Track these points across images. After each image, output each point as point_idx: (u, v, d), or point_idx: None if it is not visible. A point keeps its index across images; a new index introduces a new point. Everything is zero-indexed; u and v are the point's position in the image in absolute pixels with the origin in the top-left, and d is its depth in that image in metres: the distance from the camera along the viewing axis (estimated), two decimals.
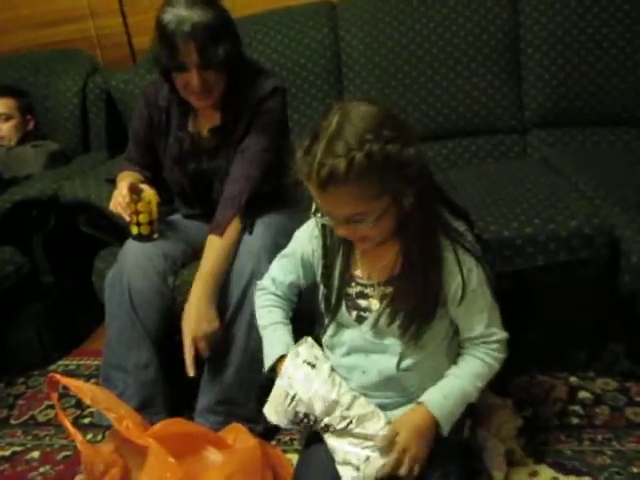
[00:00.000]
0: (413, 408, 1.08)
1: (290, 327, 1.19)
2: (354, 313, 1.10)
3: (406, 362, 1.08)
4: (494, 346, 1.09)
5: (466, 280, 1.03)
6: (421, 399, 1.07)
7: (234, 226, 1.42)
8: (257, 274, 1.36)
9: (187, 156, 1.53)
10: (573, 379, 1.54)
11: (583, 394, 1.49)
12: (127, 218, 1.45)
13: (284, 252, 1.22)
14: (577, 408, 1.45)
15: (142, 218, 1.46)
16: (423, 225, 1.00)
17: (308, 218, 1.54)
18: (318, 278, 1.15)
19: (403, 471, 1.03)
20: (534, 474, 1.28)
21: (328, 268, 1.11)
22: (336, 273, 1.10)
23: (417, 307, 1.03)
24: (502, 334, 1.10)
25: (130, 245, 1.49)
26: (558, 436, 1.37)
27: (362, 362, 1.11)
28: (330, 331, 1.14)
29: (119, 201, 1.45)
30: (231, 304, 1.39)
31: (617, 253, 1.42)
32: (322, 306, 1.14)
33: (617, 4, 1.89)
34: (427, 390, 1.08)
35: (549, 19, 1.93)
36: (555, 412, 1.44)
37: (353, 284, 1.10)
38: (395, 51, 1.99)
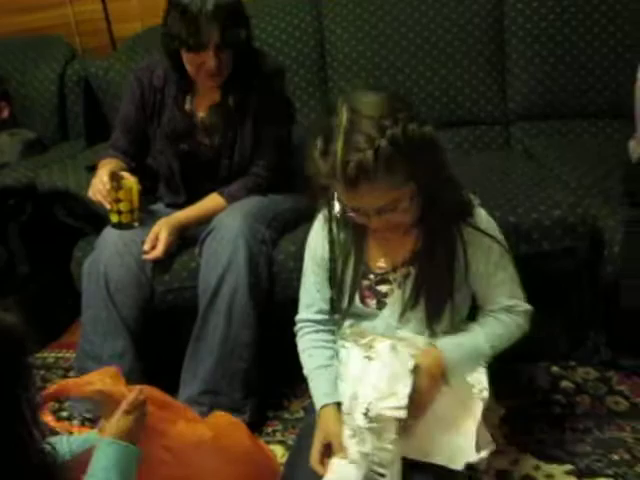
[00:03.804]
0: (427, 351, 1.04)
1: (332, 367, 1.11)
2: (373, 302, 1.09)
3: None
4: (520, 315, 1.11)
5: (487, 253, 1.05)
6: (436, 343, 1.05)
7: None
8: (234, 261, 1.37)
9: (181, 135, 1.54)
10: (555, 368, 1.55)
11: (565, 383, 1.50)
12: (107, 206, 1.43)
13: (304, 271, 1.17)
14: (559, 397, 1.46)
15: (123, 206, 1.43)
16: (447, 203, 1.01)
17: (289, 203, 1.55)
18: (326, 280, 1.12)
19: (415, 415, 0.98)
20: (516, 462, 1.28)
21: (335, 268, 1.10)
22: (349, 268, 1.09)
23: (439, 284, 1.04)
24: (526, 306, 1.11)
25: (108, 232, 1.46)
26: (540, 425, 1.38)
27: None
28: (347, 323, 1.13)
29: (99, 188, 1.43)
30: (208, 290, 1.39)
31: (599, 243, 1.43)
32: (327, 306, 1.13)
33: None
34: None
35: (533, 11, 1.94)
36: (537, 401, 1.45)
37: (371, 276, 1.09)
38: (379, 41, 1.98)
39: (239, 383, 1.39)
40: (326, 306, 1.14)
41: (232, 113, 1.50)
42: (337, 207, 1.07)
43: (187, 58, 1.43)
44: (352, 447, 0.98)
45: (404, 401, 0.94)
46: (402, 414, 0.94)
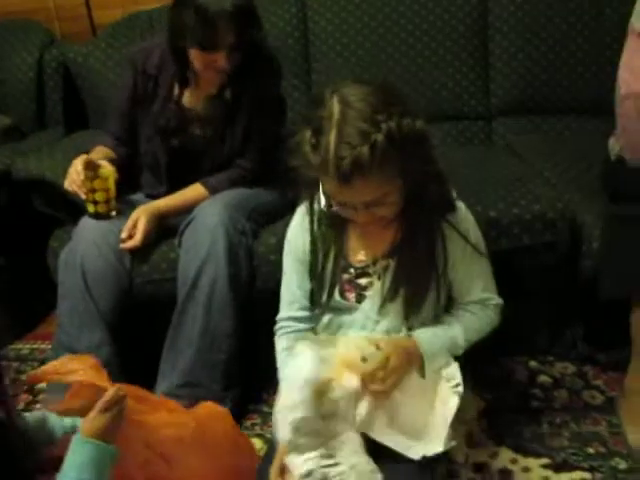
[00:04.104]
0: (403, 337, 1.05)
1: None
2: (352, 295, 1.08)
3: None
4: (491, 309, 1.13)
5: (464, 246, 1.06)
6: (412, 333, 1.05)
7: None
8: (213, 251, 1.35)
9: (174, 131, 1.52)
10: (533, 363, 1.57)
11: (543, 378, 1.52)
12: (83, 196, 1.40)
13: (284, 268, 1.15)
14: (537, 391, 1.47)
15: (99, 196, 1.41)
16: (433, 197, 1.01)
17: (270, 195, 1.53)
18: (307, 274, 1.10)
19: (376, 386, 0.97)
20: (494, 455, 1.29)
21: (316, 262, 1.08)
22: (330, 262, 1.07)
23: (418, 276, 1.04)
24: (498, 300, 1.14)
25: (85, 222, 1.44)
26: (518, 419, 1.39)
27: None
28: (325, 319, 1.11)
29: (74, 178, 1.40)
30: (187, 281, 1.37)
31: (579, 238, 1.44)
32: (308, 301, 1.11)
33: None
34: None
35: (517, 7, 1.94)
36: (515, 395, 1.46)
37: (352, 270, 1.08)
38: (363, 34, 1.97)
39: (219, 375, 1.38)
40: (307, 302, 1.12)
41: (228, 106, 1.49)
42: (323, 201, 1.05)
43: (196, 56, 1.40)
44: (295, 464, 0.95)
45: (297, 414, 0.93)
46: (301, 425, 0.93)
